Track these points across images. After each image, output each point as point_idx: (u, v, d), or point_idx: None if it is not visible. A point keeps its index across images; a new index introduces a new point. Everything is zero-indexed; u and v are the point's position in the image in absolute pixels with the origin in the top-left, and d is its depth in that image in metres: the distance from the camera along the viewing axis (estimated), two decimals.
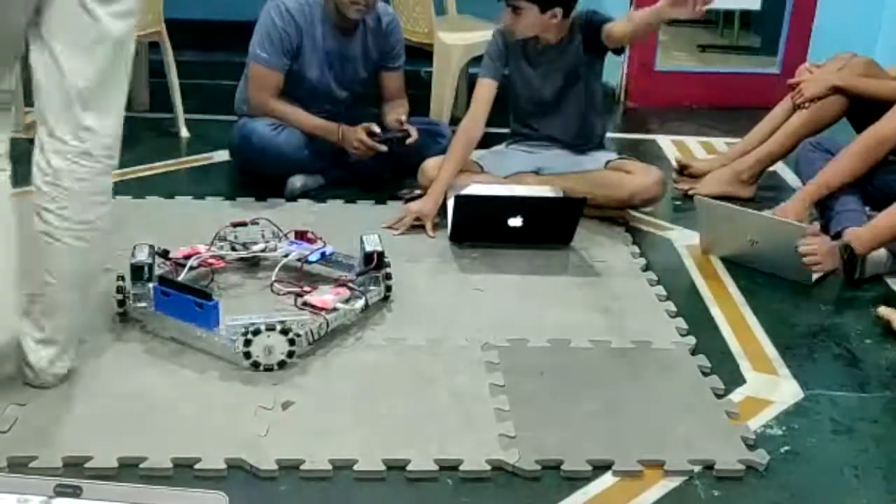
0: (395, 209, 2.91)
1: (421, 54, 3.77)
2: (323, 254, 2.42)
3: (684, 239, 2.87)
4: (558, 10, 2.79)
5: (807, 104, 3.10)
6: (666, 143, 3.85)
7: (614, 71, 4.26)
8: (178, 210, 2.93)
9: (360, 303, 2.22)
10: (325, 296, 2.21)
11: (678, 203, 3.16)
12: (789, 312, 2.45)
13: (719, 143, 3.78)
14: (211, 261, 2.38)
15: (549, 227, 2.72)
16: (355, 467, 1.72)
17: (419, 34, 3.75)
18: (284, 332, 2.00)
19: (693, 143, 3.85)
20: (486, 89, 2.94)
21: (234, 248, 2.45)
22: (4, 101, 1.83)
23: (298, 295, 2.25)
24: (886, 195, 2.72)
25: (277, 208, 2.92)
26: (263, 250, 2.45)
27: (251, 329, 1.99)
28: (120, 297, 2.16)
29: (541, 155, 3.03)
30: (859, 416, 1.98)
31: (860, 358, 2.22)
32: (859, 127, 3.06)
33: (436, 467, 1.73)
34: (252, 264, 2.49)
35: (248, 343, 1.99)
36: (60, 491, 1.09)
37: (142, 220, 2.80)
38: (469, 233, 2.72)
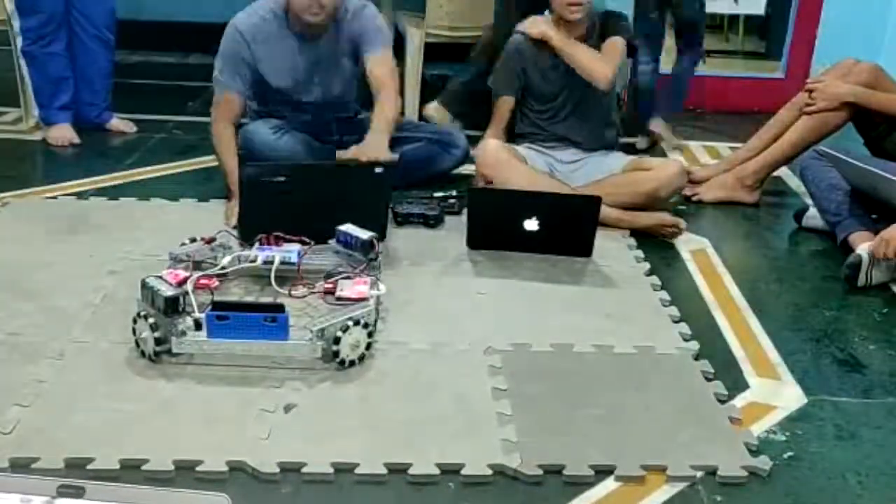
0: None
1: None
2: (298, 253, 2.38)
3: (688, 244, 2.87)
4: None
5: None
6: (670, 147, 3.84)
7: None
8: (181, 212, 2.93)
9: (383, 287, 2.27)
10: (355, 287, 2.25)
11: (682, 208, 3.15)
12: (792, 318, 2.45)
13: (723, 147, 3.77)
14: (205, 282, 2.28)
15: (567, 230, 2.66)
16: (357, 470, 1.72)
17: None
18: (364, 325, 2.05)
19: (697, 147, 3.85)
20: (506, 105, 3.09)
21: (199, 266, 2.34)
22: None
23: (328, 293, 2.28)
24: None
25: None
26: (252, 260, 2.36)
27: (339, 327, 2.02)
28: (156, 335, 1.98)
29: (553, 156, 3.04)
30: (863, 421, 1.98)
31: (864, 363, 2.22)
32: (865, 133, 3.06)
33: (437, 471, 1.73)
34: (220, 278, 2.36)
35: (337, 342, 2.01)
36: (63, 491, 1.09)
37: (146, 222, 2.81)
38: (485, 237, 2.69)
